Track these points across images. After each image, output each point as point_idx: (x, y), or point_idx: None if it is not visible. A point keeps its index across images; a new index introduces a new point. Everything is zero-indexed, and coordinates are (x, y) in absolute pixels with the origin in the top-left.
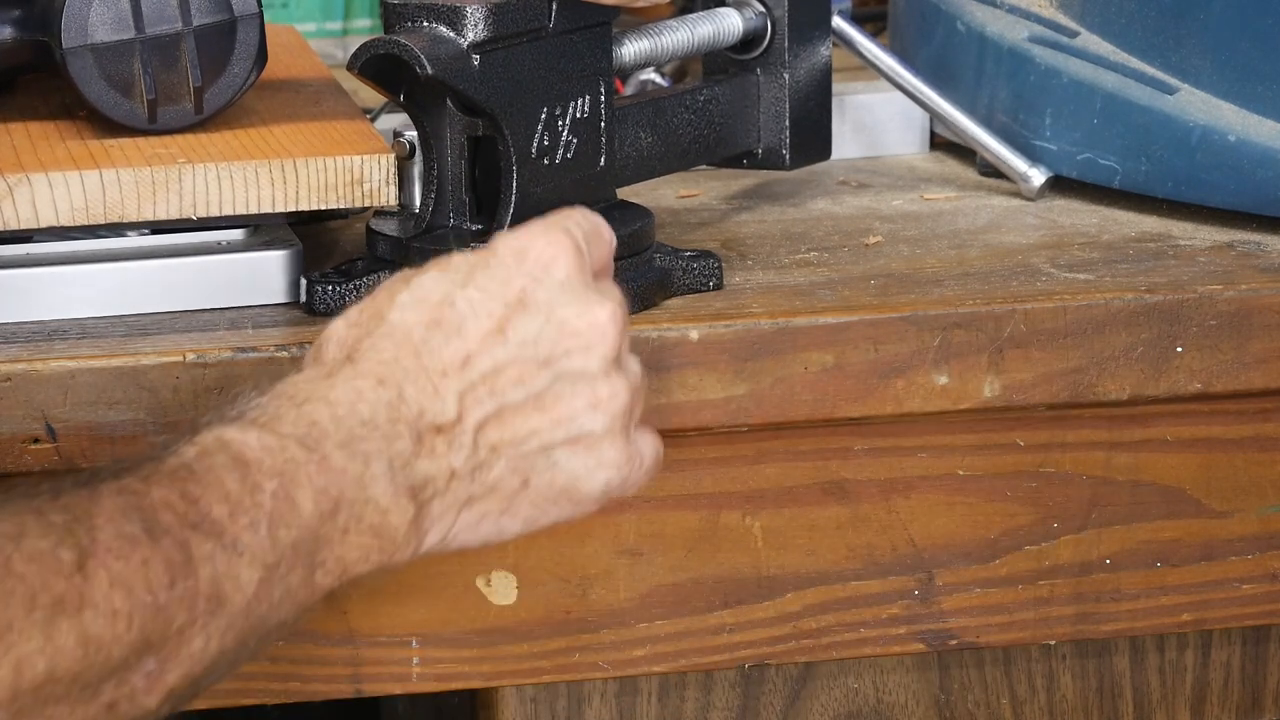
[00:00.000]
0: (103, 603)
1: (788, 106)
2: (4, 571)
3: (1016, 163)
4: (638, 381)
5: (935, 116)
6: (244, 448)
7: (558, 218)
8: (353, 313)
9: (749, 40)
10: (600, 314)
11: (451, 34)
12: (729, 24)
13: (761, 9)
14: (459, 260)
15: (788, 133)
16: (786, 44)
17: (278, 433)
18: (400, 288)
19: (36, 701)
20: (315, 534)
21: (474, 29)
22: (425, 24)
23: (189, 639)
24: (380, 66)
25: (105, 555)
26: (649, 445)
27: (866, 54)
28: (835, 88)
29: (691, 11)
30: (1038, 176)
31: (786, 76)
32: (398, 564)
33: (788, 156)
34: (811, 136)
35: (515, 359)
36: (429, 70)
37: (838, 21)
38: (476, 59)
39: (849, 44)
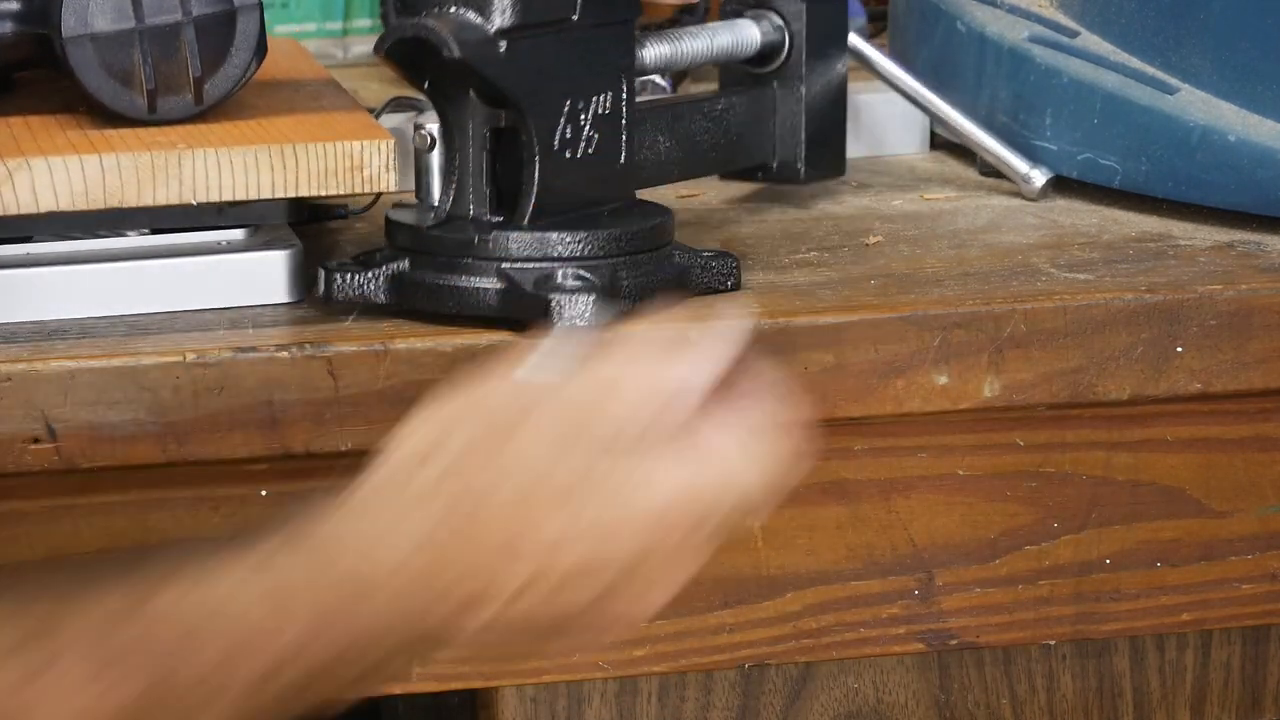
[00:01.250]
0: None
1: (803, 121)
2: None
3: (1018, 164)
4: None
5: (949, 129)
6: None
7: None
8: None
9: (766, 53)
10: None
11: (479, 19)
12: (747, 35)
13: (780, 22)
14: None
15: (803, 147)
16: (804, 58)
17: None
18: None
19: None
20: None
21: (501, 15)
22: (452, 9)
23: None
24: (406, 51)
25: (55, 679)
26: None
27: (884, 72)
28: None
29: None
30: (1039, 177)
31: (803, 91)
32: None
33: (802, 170)
34: (826, 151)
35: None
36: (456, 53)
37: (853, 38)
38: (503, 45)
39: (865, 62)
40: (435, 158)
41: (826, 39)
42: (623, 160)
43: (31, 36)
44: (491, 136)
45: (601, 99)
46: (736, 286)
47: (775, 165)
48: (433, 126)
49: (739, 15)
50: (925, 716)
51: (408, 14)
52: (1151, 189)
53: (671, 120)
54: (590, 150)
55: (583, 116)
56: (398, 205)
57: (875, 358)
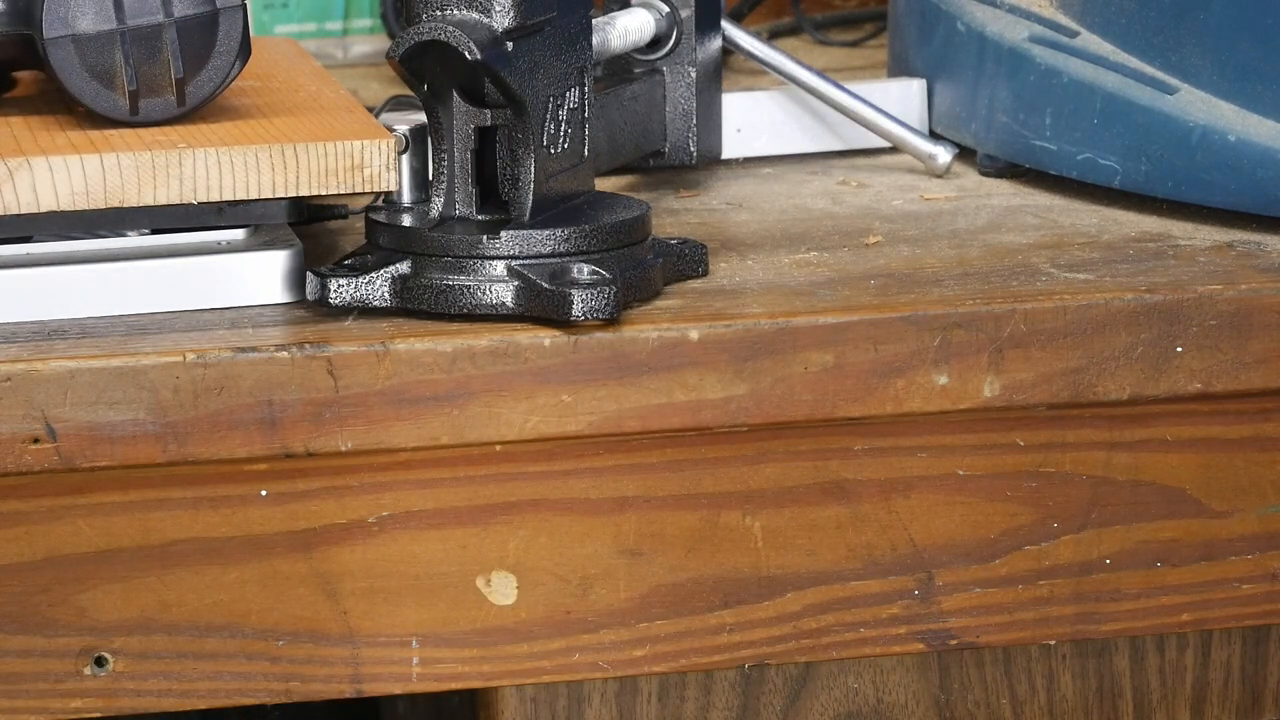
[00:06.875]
0: None
1: (695, 105)
2: None
3: (921, 145)
4: None
5: (835, 109)
6: None
7: None
8: None
9: (655, 39)
10: None
11: (486, 20)
12: (644, 22)
13: (667, 9)
14: None
15: (695, 130)
16: (694, 43)
17: None
18: None
19: None
20: None
21: (504, 15)
22: (455, 10)
23: None
24: (419, 54)
25: None
26: None
27: (756, 52)
28: (837, 82)
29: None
30: (943, 154)
31: (693, 74)
32: None
33: (694, 154)
34: (711, 133)
35: None
36: (477, 55)
37: (727, 26)
38: (509, 45)
39: (734, 43)
40: (407, 160)
41: (709, 22)
42: (586, 154)
43: (18, 37)
44: (477, 136)
45: (572, 94)
46: (705, 272)
47: (667, 150)
48: (404, 129)
49: (626, 4)
50: (925, 716)
51: (410, 17)
52: (1151, 189)
53: (600, 111)
54: (565, 145)
55: (560, 112)
56: (374, 207)
57: (875, 358)
